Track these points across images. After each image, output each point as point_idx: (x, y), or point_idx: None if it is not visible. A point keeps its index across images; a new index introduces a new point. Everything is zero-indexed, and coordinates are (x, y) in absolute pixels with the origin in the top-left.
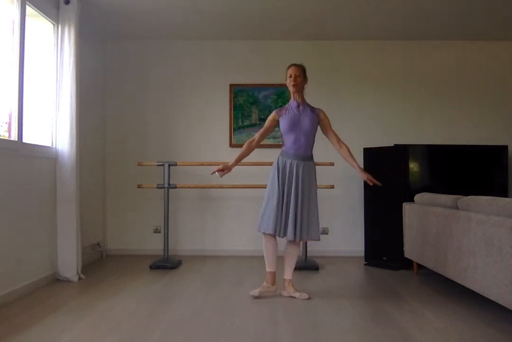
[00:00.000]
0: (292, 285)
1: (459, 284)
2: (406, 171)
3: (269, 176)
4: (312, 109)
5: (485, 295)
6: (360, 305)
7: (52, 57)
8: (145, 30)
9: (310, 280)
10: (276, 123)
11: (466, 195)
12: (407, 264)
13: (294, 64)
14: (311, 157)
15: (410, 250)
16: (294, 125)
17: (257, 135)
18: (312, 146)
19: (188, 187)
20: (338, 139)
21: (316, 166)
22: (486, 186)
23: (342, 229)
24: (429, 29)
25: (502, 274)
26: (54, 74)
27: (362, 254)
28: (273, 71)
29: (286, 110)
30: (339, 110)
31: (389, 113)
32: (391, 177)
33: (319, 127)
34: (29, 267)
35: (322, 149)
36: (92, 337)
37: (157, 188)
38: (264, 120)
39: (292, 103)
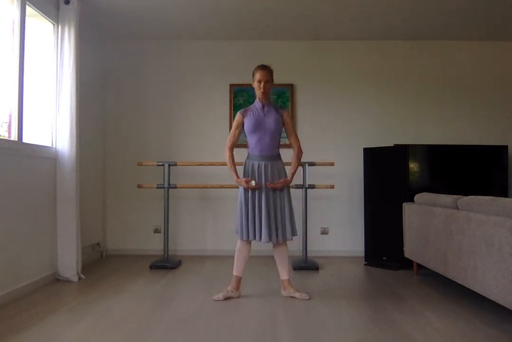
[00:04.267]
0: (292, 285)
1: (459, 284)
2: (406, 171)
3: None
4: (277, 109)
5: (485, 295)
6: (360, 305)
7: (52, 57)
8: (145, 30)
9: (310, 280)
10: (242, 124)
11: (466, 195)
12: (407, 264)
13: (262, 68)
14: (278, 157)
15: (410, 250)
16: (258, 126)
17: (232, 140)
18: (278, 145)
19: (188, 187)
20: (295, 143)
21: (317, 167)
22: (486, 186)
23: (342, 229)
24: (429, 29)
25: (502, 274)
26: (54, 74)
27: (362, 254)
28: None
29: (250, 111)
30: (339, 110)
31: (389, 113)
32: (391, 177)
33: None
34: (29, 267)
35: (322, 149)
36: (92, 337)
37: (157, 188)
38: None
39: (257, 104)
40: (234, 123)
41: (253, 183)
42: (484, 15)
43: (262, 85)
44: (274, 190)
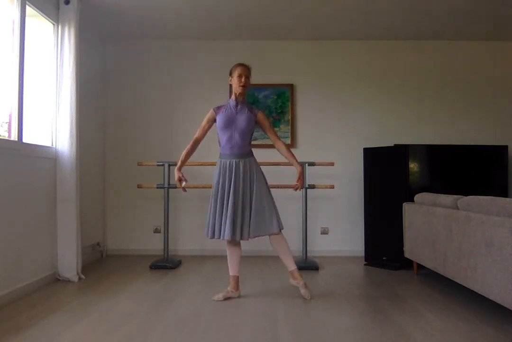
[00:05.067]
0: (302, 278)
1: (459, 284)
2: (406, 171)
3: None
4: (251, 109)
5: (485, 295)
6: (360, 305)
7: (52, 57)
8: (145, 30)
9: (310, 280)
10: (213, 120)
11: (466, 195)
12: (407, 264)
13: (243, 64)
14: (249, 154)
15: (410, 250)
16: (229, 123)
17: (199, 134)
18: (249, 144)
19: (188, 187)
20: (277, 138)
21: (317, 167)
22: (486, 186)
23: (342, 229)
24: (429, 29)
25: (502, 274)
26: (54, 74)
27: (362, 254)
28: (273, 71)
29: (224, 108)
30: (339, 110)
31: (389, 113)
32: (391, 177)
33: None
34: (29, 267)
35: (322, 149)
36: (92, 337)
37: (157, 188)
38: None
39: (231, 102)
40: (205, 118)
41: (183, 183)
42: (484, 15)
43: (243, 79)
44: (246, 184)
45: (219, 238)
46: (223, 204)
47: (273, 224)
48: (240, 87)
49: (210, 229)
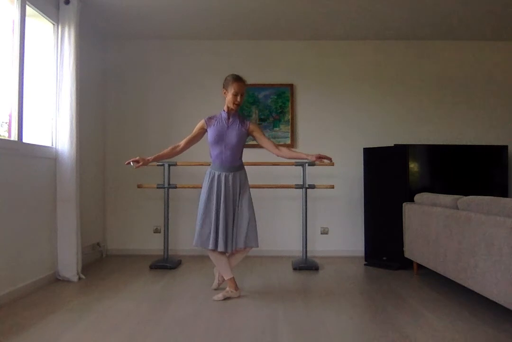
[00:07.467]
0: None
1: (459, 284)
2: (406, 171)
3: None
4: (242, 121)
5: (485, 295)
6: (360, 305)
7: (52, 57)
8: (145, 30)
9: (310, 280)
10: (204, 131)
11: (466, 195)
12: (407, 264)
13: (239, 79)
14: (239, 167)
15: (410, 250)
16: (220, 139)
17: (182, 142)
18: (240, 156)
19: (188, 187)
20: (275, 145)
21: (317, 166)
22: (486, 186)
23: (342, 229)
24: (429, 29)
25: (502, 274)
26: (54, 74)
27: (362, 254)
28: (273, 71)
29: (215, 120)
30: (339, 110)
31: (389, 113)
32: (391, 177)
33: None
34: (29, 267)
35: (322, 149)
36: (92, 337)
37: (157, 188)
38: (264, 120)
39: (223, 114)
40: (195, 129)
41: (134, 164)
42: (484, 15)
43: (238, 98)
44: (233, 198)
45: (212, 247)
46: (212, 215)
47: (254, 239)
48: (235, 105)
49: (199, 238)
